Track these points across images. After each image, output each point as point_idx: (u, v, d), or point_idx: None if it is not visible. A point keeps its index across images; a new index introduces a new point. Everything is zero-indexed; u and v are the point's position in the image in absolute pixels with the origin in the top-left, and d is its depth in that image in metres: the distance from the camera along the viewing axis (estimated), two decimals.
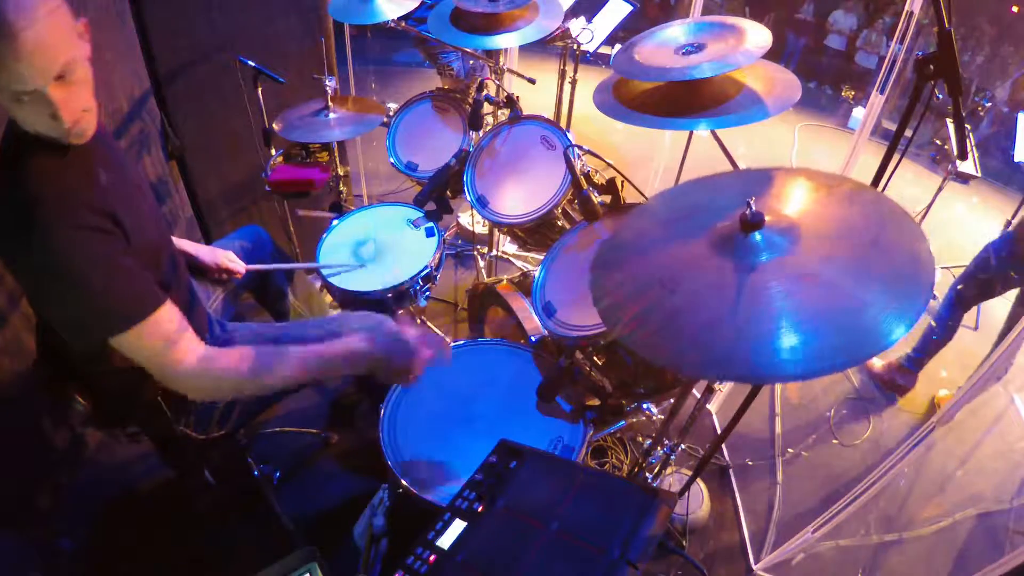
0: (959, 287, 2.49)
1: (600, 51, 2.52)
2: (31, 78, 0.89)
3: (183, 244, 1.57)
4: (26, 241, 0.97)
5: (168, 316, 1.08)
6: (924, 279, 0.78)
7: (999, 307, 2.57)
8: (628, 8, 2.53)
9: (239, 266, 1.63)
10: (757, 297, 0.83)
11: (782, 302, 0.80)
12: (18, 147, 1.01)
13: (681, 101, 1.28)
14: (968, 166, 2.84)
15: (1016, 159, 2.92)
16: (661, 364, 1.24)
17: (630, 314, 0.91)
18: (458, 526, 0.86)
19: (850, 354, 0.75)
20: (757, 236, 0.87)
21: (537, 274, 1.60)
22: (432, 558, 0.82)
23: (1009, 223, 2.54)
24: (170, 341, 1.07)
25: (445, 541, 0.84)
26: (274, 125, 2.06)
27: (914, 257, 0.81)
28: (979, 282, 2.46)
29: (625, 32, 2.37)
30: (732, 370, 0.81)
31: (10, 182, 1.00)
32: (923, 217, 3.04)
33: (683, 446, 1.99)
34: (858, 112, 5.90)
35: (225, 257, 1.61)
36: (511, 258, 2.77)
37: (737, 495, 2.03)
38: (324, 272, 1.77)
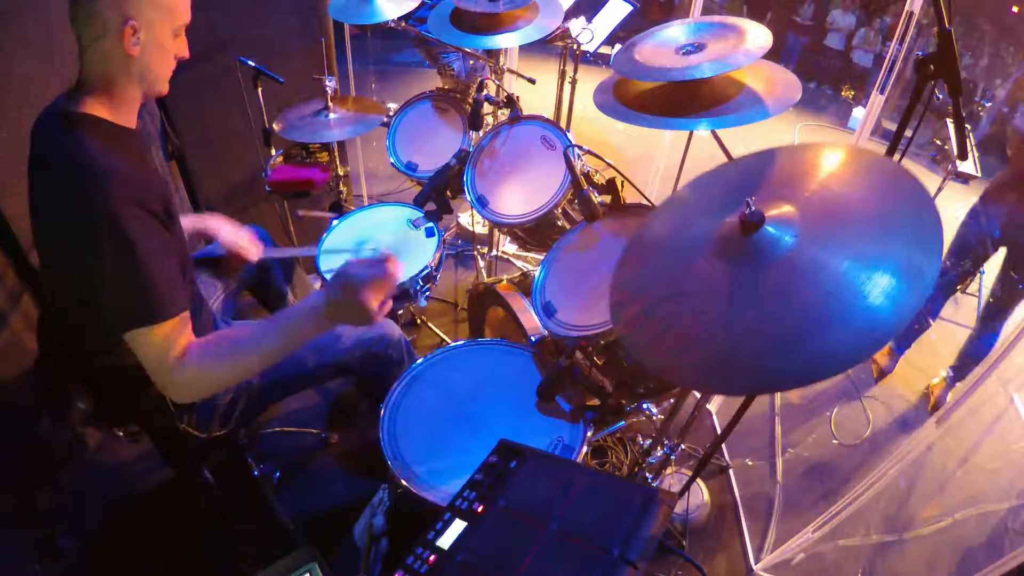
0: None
1: (600, 51, 2.52)
2: (186, 12, 1.12)
3: (204, 219, 1.55)
4: (89, 210, 0.96)
5: (185, 320, 1.08)
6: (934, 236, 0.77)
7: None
8: (628, 8, 2.53)
9: (254, 252, 1.59)
10: (768, 295, 0.82)
11: (792, 300, 0.80)
12: (77, 123, 1.02)
13: (681, 101, 1.28)
14: (968, 166, 2.85)
15: None
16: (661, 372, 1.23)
17: (632, 312, 0.91)
18: (458, 526, 0.86)
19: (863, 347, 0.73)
20: (771, 229, 0.86)
21: (537, 274, 1.60)
22: (432, 558, 0.82)
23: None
24: (178, 345, 1.06)
25: (445, 541, 0.84)
26: (274, 125, 2.06)
27: (920, 217, 0.80)
28: (964, 269, 2.49)
29: (625, 32, 2.37)
30: (740, 376, 0.80)
31: (75, 146, 0.99)
32: None
33: (683, 446, 1.99)
34: (858, 112, 5.91)
35: (245, 239, 1.58)
36: (511, 258, 2.77)
37: (737, 495, 2.03)
38: (323, 262, 1.76)
